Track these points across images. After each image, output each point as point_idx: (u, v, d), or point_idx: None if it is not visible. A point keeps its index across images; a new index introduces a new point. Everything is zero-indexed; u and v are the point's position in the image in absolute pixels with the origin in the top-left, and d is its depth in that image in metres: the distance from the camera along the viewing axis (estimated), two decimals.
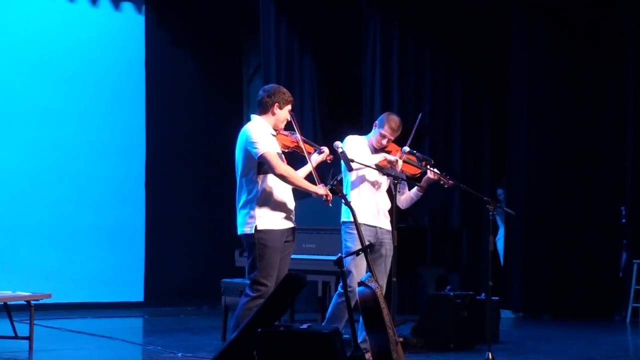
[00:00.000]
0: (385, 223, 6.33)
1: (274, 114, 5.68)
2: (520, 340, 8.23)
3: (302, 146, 5.73)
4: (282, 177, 5.52)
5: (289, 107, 5.74)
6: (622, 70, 10.18)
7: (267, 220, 5.55)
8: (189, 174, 11.54)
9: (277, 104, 5.67)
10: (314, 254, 7.26)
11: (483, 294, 7.82)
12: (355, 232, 6.13)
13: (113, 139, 11.16)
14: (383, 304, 5.27)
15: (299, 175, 5.65)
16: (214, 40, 11.90)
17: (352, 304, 6.07)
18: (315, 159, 5.85)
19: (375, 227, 6.26)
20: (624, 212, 10.13)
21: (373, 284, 5.32)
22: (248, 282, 5.59)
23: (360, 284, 5.41)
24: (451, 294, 7.43)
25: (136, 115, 11.39)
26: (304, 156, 5.76)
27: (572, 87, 10.47)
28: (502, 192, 10.93)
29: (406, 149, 6.38)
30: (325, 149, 5.85)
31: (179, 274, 11.40)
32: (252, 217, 5.55)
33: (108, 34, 11.28)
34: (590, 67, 10.42)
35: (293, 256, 7.05)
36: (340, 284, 6.18)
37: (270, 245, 5.53)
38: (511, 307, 10.33)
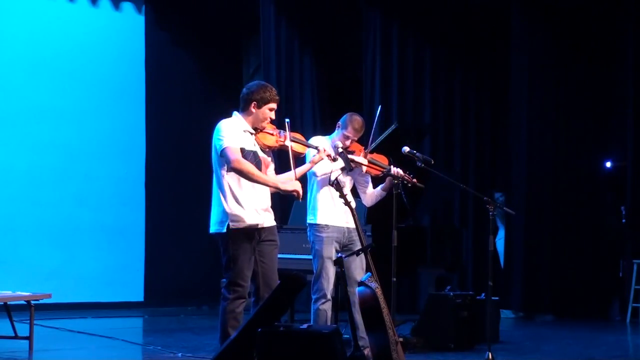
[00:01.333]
0: (353, 222, 6.29)
1: (250, 113, 5.49)
2: (520, 340, 8.23)
3: (289, 145, 5.51)
4: (238, 172, 5.34)
5: (271, 105, 5.50)
6: (622, 70, 10.18)
7: (240, 218, 5.40)
8: (189, 174, 11.52)
9: (254, 102, 5.46)
10: None
11: (483, 294, 7.82)
12: (324, 234, 6.17)
13: (113, 139, 11.16)
14: (383, 304, 5.27)
15: (258, 172, 5.40)
16: (214, 40, 11.90)
17: (326, 306, 6.08)
18: (313, 159, 5.80)
19: (344, 227, 6.24)
20: (624, 212, 10.14)
21: (373, 284, 5.31)
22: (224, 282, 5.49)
23: (360, 283, 5.41)
24: (451, 294, 7.43)
25: (136, 115, 11.39)
26: (290, 156, 5.52)
27: (573, 87, 10.47)
28: (500, 195, 10.90)
29: (406, 149, 6.37)
30: (321, 147, 5.77)
31: (179, 274, 11.40)
32: (225, 215, 5.44)
33: (108, 34, 11.28)
34: (590, 67, 10.42)
35: (293, 256, 7.04)
36: (313, 288, 6.17)
37: (244, 245, 5.39)
38: (511, 307, 10.33)
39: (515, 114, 10.58)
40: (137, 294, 11.22)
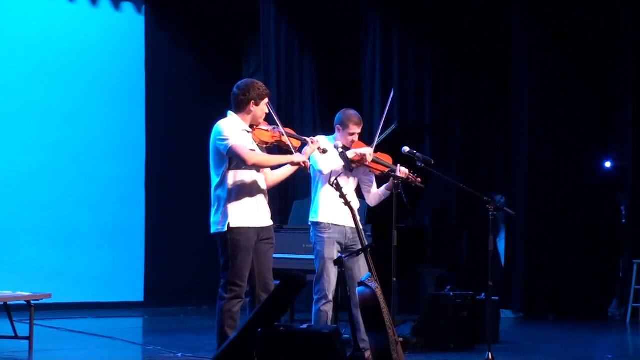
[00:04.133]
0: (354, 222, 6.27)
1: (249, 112, 5.53)
2: (520, 340, 8.23)
3: (286, 140, 5.57)
4: (257, 165, 5.43)
5: (266, 100, 5.57)
6: (622, 70, 10.18)
7: (240, 218, 5.44)
8: (189, 174, 11.52)
9: (252, 101, 5.51)
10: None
11: (483, 294, 7.82)
12: (325, 235, 6.13)
13: (113, 139, 11.16)
14: (383, 304, 5.27)
15: (270, 156, 5.59)
16: (214, 40, 11.90)
17: (327, 307, 6.07)
18: (306, 151, 5.72)
19: (345, 226, 6.21)
20: (624, 212, 10.14)
21: (373, 284, 5.31)
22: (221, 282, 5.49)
23: (360, 284, 5.41)
24: (451, 294, 7.43)
25: (136, 115, 11.39)
26: (288, 150, 5.57)
27: (573, 87, 10.47)
28: (501, 198, 10.89)
29: (406, 149, 6.36)
30: (315, 139, 5.76)
31: (179, 274, 11.40)
32: (224, 215, 5.46)
33: (108, 34, 11.28)
34: (590, 67, 10.43)
35: (293, 256, 7.03)
36: (315, 289, 6.16)
37: (243, 245, 5.41)
38: (512, 307, 10.33)
39: (515, 114, 10.58)
40: (137, 294, 11.23)
